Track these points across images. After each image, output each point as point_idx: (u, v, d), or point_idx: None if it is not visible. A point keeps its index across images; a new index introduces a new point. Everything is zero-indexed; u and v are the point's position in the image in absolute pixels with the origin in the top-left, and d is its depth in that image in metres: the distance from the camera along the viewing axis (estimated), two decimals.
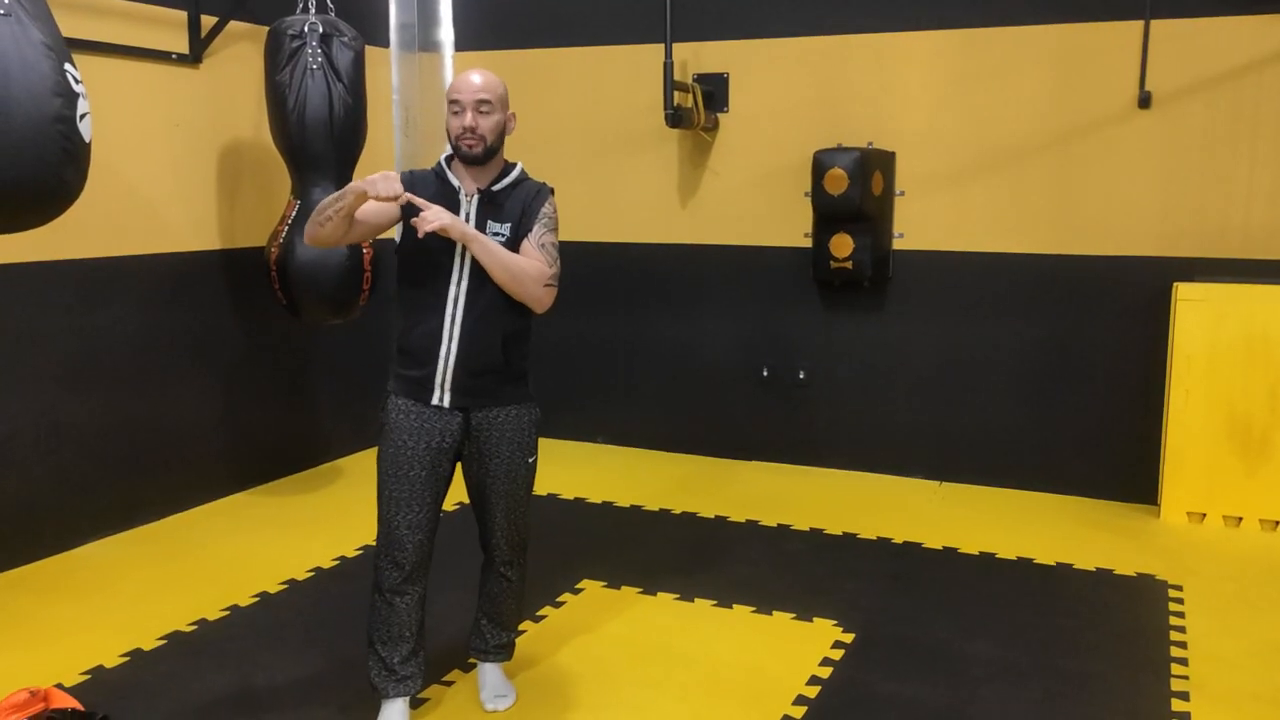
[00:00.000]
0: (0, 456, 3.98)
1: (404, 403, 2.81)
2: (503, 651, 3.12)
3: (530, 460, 2.92)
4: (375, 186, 2.59)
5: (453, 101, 2.74)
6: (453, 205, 2.76)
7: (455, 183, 2.80)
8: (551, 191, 2.86)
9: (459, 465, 2.91)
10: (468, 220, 2.77)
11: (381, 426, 2.85)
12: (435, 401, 2.79)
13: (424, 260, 2.75)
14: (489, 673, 3.11)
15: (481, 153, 2.74)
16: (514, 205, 2.79)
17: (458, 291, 2.77)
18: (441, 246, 2.73)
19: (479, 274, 2.73)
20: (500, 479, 2.88)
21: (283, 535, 4.45)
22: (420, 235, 2.62)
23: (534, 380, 2.92)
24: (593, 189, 5.77)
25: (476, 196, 2.79)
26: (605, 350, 5.87)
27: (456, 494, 2.95)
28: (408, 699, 2.90)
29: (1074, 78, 4.84)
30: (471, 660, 3.21)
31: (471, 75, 2.76)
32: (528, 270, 2.73)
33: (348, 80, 4.43)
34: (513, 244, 2.77)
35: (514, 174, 2.84)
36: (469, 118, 2.71)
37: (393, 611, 2.83)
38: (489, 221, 2.77)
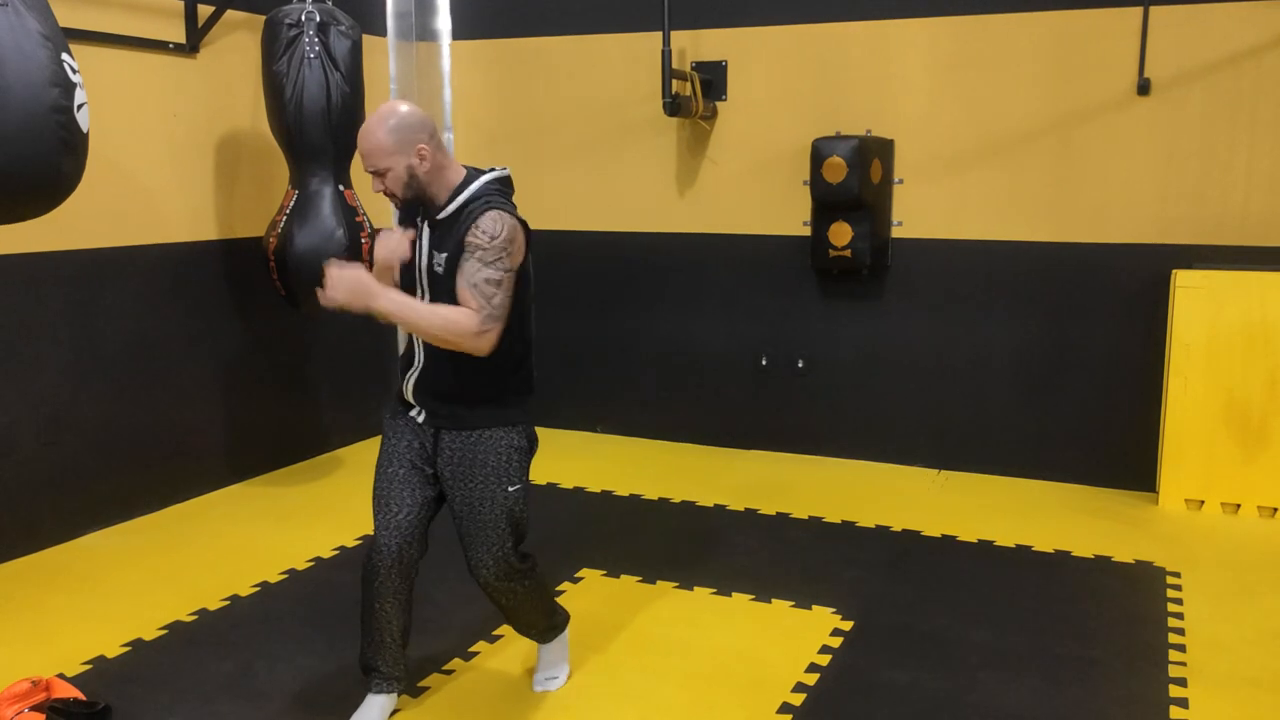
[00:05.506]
0: None
1: (396, 404, 2.84)
2: (537, 638, 3.07)
3: (512, 489, 2.72)
4: (391, 253, 2.65)
5: None
6: (419, 229, 2.70)
7: None
8: (491, 207, 2.58)
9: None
10: (423, 251, 2.68)
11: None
12: (413, 414, 2.78)
13: (403, 280, 2.70)
14: (537, 653, 3.09)
15: (402, 204, 2.65)
16: (456, 232, 2.60)
17: None
18: (404, 267, 2.69)
19: (440, 296, 2.61)
20: (469, 506, 2.71)
21: (283, 525, 4.46)
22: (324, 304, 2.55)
23: (532, 382, 2.85)
24: (591, 178, 5.77)
25: (427, 227, 2.68)
26: (604, 340, 5.87)
27: None
28: (388, 697, 2.87)
29: (1073, 64, 4.83)
30: (474, 650, 3.21)
31: (360, 137, 2.59)
32: (451, 326, 2.54)
33: (345, 69, 4.42)
34: (450, 273, 2.59)
35: (463, 195, 2.63)
36: (374, 182, 2.61)
37: (372, 614, 2.81)
38: (434, 252, 2.64)
